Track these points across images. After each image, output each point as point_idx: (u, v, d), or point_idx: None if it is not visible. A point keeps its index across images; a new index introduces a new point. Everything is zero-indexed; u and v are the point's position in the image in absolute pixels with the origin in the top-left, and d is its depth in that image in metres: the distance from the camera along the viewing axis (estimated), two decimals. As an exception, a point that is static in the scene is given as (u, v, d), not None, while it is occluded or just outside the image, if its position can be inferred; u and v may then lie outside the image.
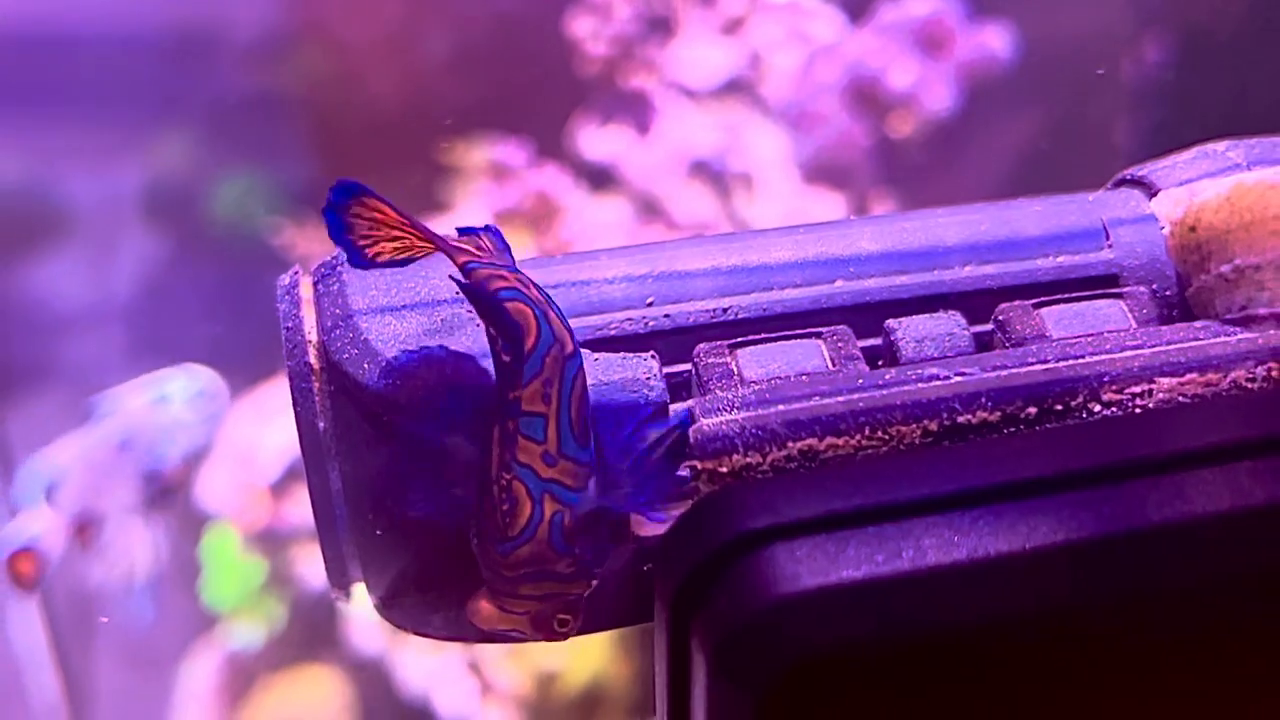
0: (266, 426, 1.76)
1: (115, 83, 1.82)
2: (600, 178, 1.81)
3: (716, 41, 1.83)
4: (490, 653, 1.68)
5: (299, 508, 1.76)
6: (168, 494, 1.49)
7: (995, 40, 1.78)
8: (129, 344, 1.96)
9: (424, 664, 1.69)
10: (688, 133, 1.80)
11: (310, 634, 1.78)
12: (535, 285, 0.47)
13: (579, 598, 0.48)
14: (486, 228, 0.50)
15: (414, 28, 1.86)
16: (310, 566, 1.77)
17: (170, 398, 1.52)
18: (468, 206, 1.71)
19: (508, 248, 0.49)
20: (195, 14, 1.88)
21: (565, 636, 0.50)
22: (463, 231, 0.49)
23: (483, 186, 1.75)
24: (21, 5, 1.84)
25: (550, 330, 0.46)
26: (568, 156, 1.83)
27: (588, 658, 1.65)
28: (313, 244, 1.81)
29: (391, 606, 0.55)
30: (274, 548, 1.77)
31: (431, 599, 0.54)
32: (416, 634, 0.57)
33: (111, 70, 1.83)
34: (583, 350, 0.48)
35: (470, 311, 0.50)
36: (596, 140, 1.82)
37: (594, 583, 0.48)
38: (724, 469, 0.45)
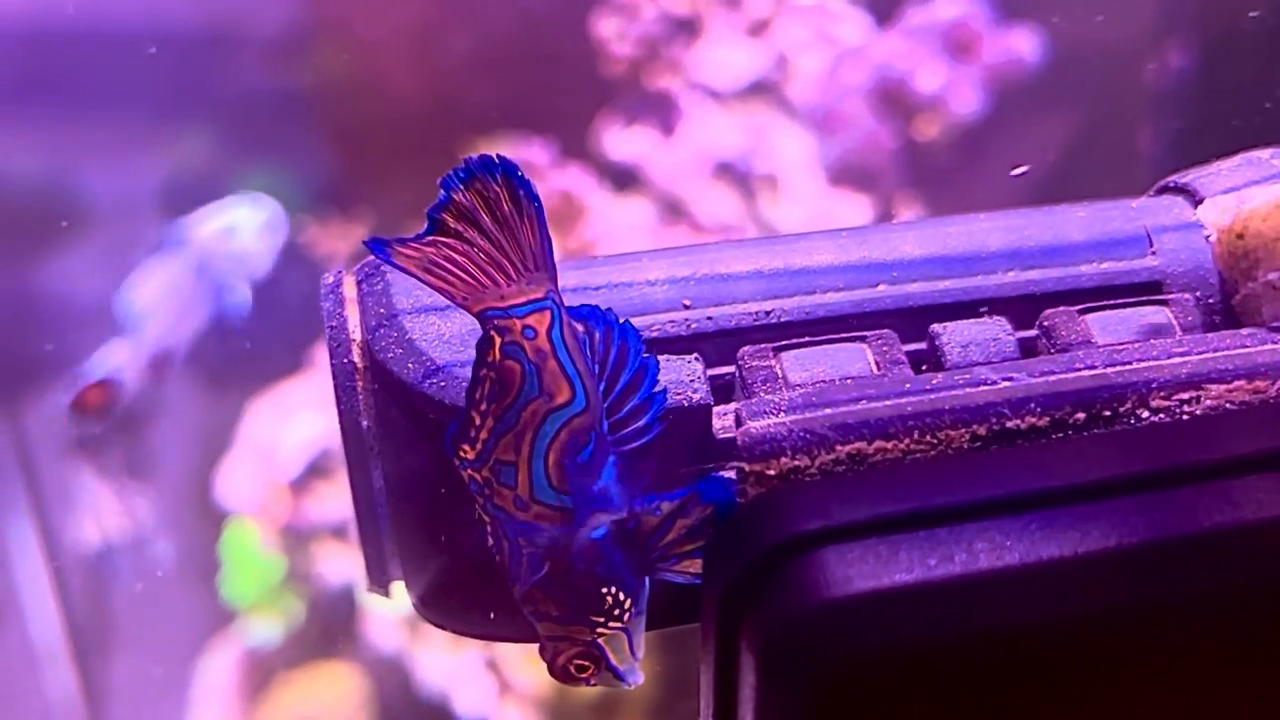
0: (287, 423, 1.76)
1: (137, 79, 1.82)
2: (624, 178, 1.81)
3: (742, 43, 1.83)
4: (509, 652, 1.68)
5: (319, 505, 1.76)
6: (231, 323, 1.49)
7: (1023, 44, 1.77)
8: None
9: (443, 662, 1.69)
10: (713, 134, 1.79)
11: (329, 631, 1.78)
12: (556, 316, 0.48)
13: (592, 644, 0.49)
14: (506, 166, 0.48)
15: (437, 25, 1.86)
16: (330, 563, 1.77)
17: (239, 227, 1.51)
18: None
19: (533, 199, 0.48)
20: (217, 10, 1.88)
21: (590, 684, 0.50)
22: (468, 173, 0.48)
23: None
24: (43, 2, 1.85)
25: (536, 384, 0.47)
26: (592, 157, 1.82)
27: (606, 658, 1.64)
28: (335, 242, 1.81)
29: (430, 605, 0.55)
30: (294, 544, 1.78)
31: (470, 598, 0.54)
32: (455, 633, 0.57)
33: (133, 66, 1.83)
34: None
35: None
36: (621, 141, 1.82)
37: (602, 630, 0.49)
38: (771, 472, 0.45)
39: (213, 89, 1.87)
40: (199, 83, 1.85)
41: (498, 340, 0.47)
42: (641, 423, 0.49)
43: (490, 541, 0.49)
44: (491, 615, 0.54)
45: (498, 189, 0.48)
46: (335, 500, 1.74)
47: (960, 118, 1.77)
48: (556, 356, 0.47)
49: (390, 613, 1.71)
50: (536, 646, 0.51)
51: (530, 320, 0.47)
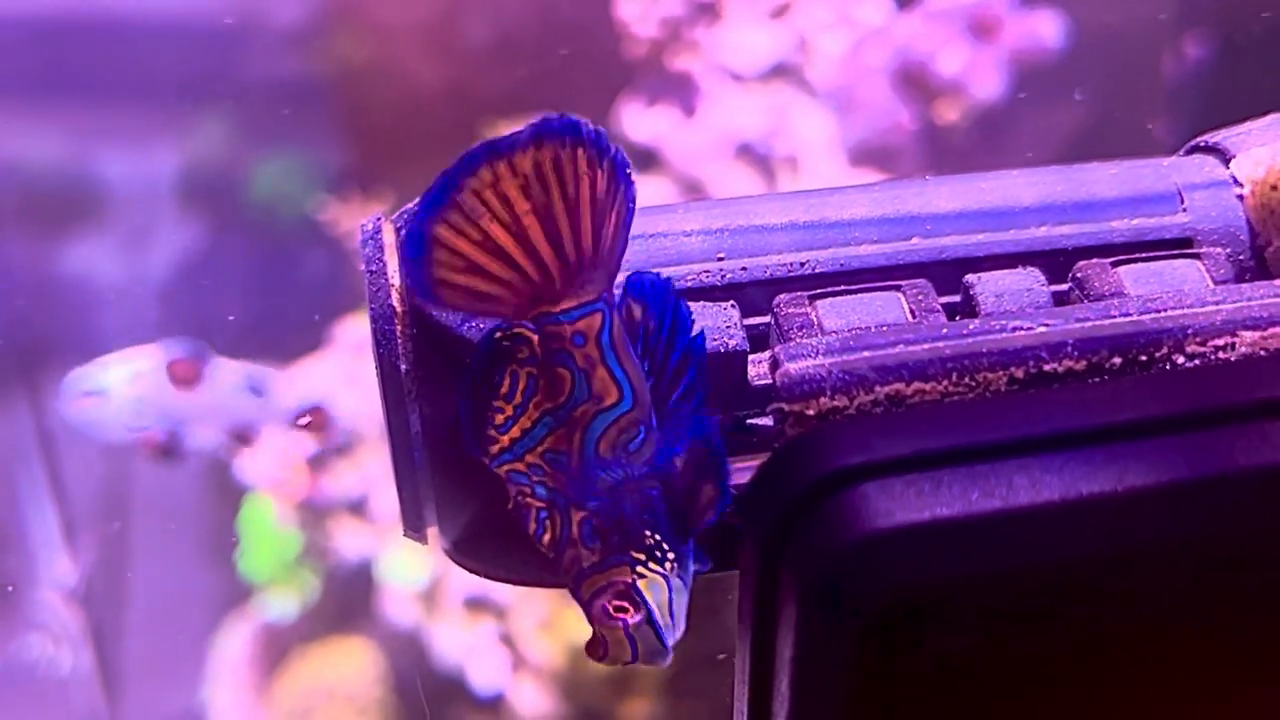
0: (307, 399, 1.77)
1: (154, 65, 1.83)
2: (644, 159, 1.81)
3: (764, 24, 1.83)
4: (524, 626, 1.69)
5: (336, 480, 1.77)
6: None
7: (1045, 27, 1.77)
8: (165, 322, 1.97)
9: (458, 637, 1.70)
10: (733, 115, 1.80)
11: (345, 606, 1.79)
12: (607, 319, 0.47)
13: (632, 586, 0.48)
14: (602, 141, 0.47)
15: (457, 6, 1.87)
16: (346, 539, 1.78)
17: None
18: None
19: (631, 197, 0.48)
20: (237, -2, 1.89)
21: (629, 633, 0.48)
22: (555, 128, 0.47)
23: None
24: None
25: (586, 389, 0.47)
26: (612, 137, 1.82)
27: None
28: (356, 220, 1.81)
29: (464, 550, 0.56)
30: (310, 519, 1.78)
31: (505, 543, 0.55)
32: (489, 578, 0.57)
33: (150, 53, 1.84)
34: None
35: None
36: (641, 122, 1.82)
37: (643, 570, 0.48)
38: (811, 412, 0.45)
39: (231, 75, 1.88)
40: (217, 69, 1.86)
41: (534, 339, 0.48)
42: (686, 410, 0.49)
43: (533, 526, 0.49)
44: (524, 560, 0.54)
45: (598, 170, 0.47)
46: (352, 476, 1.75)
47: (981, 101, 1.77)
48: (605, 362, 0.47)
49: (406, 588, 1.72)
50: (552, 596, 0.51)
51: (580, 326, 0.47)
